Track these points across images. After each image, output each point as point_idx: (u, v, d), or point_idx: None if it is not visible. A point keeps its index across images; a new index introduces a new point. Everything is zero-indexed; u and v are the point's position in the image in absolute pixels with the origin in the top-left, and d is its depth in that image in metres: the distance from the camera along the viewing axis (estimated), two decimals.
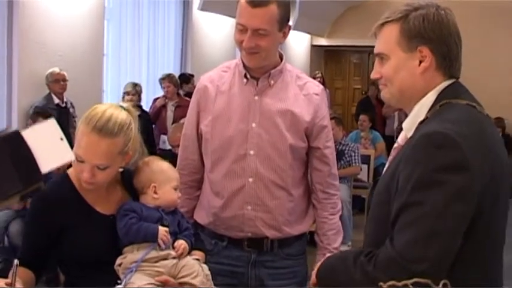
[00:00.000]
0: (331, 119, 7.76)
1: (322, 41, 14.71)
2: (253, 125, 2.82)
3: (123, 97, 8.16)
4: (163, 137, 8.50)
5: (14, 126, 6.91)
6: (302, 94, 2.86)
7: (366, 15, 13.76)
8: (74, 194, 2.42)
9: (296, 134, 2.82)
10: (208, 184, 2.94)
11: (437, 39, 1.93)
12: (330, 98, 13.60)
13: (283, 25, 2.77)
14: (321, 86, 3.00)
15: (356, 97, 14.76)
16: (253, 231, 2.84)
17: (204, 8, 10.21)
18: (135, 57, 9.23)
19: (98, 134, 2.28)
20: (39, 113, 6.53)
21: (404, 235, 1.77)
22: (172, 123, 8.48)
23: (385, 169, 2.05)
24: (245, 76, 2.86)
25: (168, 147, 7.93)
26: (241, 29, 2.74)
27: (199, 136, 2.94)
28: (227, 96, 2.87)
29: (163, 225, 2.41)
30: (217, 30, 10.66)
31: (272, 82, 2.84)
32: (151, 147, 7.55)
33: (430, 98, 1.95)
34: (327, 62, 15.46)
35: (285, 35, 2.81)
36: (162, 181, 2.50)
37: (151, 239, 2.36)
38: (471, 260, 1.85)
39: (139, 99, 8.28)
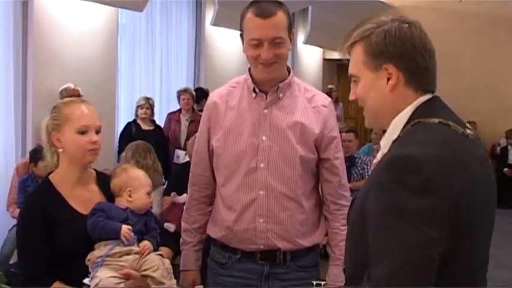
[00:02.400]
0: (349, 131, 7.82)
1: (335, 55, 14.72)
2: (264, 138, 2.84)
3: (136, 110, 8.18)
4: (178, 151, 8.52)
5: (28, 142, 6.96)
6: (311, 106, 2.89)
7: None
8: (56, 197, 2.69)
9: (306, 145, 2.85)
10: (220, 199, 2.97)
11: (401, 55, 1.89)
12: (343, 111, 13.60)
13: (290, 32, 2.83)
14: (329, 98, 3.03)
15: None
16: (266, 243, 2.86)
17: (216, 23, 10.26)
18: (148, 72, 9.28)
19: (85, 103, 2.76)
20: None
21: (377, 269, 1.71)
22: (186, 138, 8.51)
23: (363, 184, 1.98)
24: (254, 90, 2.89)
25: (182, 161, 7.95)
26: (256, 43, 2.76)
27: (210, 152, 2.98)
28: (237, 111, 2.90)
29: (128, 224, 2.68)
30: (229, 45, 10.69)
31: (281, 95, 2.87)
32: (166, 161, 7.57)
33: (405, 115, 1.91)
34: (340, 75, 15.45)
35: (291, 41, 2.85)
36: (137, 187, 2.79)
37: (114, 235, 2.63)
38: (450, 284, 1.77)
39: (153, 114, 8.30)
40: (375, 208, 1.75)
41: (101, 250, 2.63)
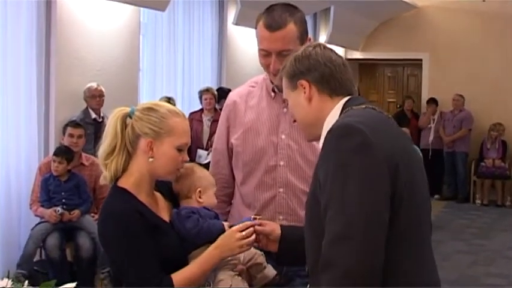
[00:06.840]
0: None
1: (357, 55, 14.63)
2: (283, 136, 2.88)
3: None
4: (200, 151, 8.53)
5: (51, 141, 6.99)
6: None
7: (399, 28, 13.70)
8: (141, 205, 2.47)
9: None
10: (239, 197, 3.00)
11: (308, 69, 2.21)
12: None
13: (303, 39, 2.83)
14: None
15: (391, 110, 14.62)
16: None
17: (238, 22, 10.25)
18: (171, 72, 9.28)
19: (185, 117, 2.57)
20: (67, 124, 6.65)
21: (326, 235, 1.90)
22: (208, 138, 8.52)
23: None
24: (273, 90, 2.93)
25: (204, 161, 7.96)
26: (265, 54, 2.82)
27: (229, 150, 3.01)
28: (256, 110, 2.95)
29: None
30: (251, 45, 10.64)
31: None
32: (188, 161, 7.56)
33: (335, 112, 2.17)
34: (362, 75, 15.38)
35: None
36: (206, 186, 2.67)
37: (219, 235, 2.52)
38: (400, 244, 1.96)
39: None
40: (326, 178, 1.94)
41: None
